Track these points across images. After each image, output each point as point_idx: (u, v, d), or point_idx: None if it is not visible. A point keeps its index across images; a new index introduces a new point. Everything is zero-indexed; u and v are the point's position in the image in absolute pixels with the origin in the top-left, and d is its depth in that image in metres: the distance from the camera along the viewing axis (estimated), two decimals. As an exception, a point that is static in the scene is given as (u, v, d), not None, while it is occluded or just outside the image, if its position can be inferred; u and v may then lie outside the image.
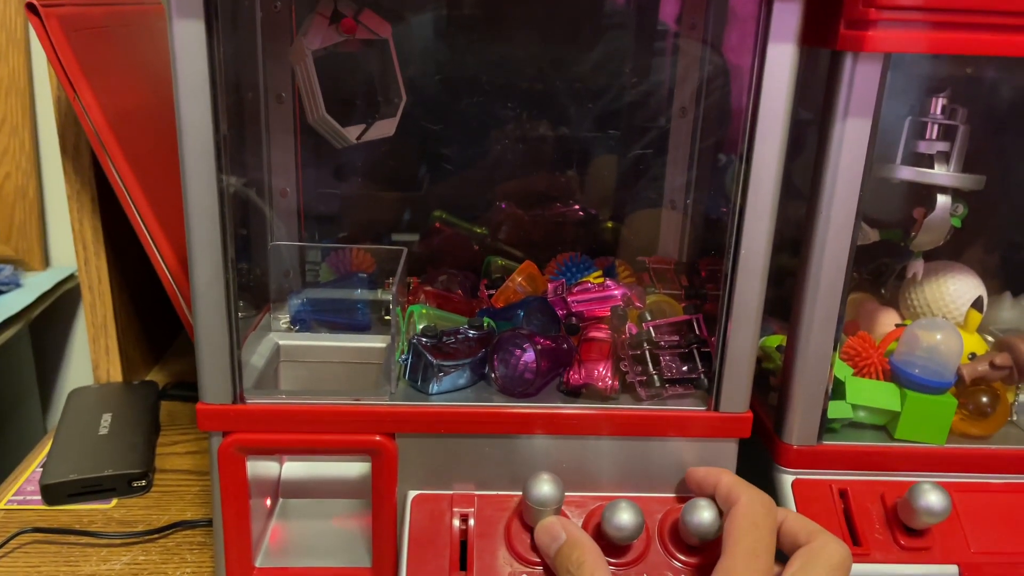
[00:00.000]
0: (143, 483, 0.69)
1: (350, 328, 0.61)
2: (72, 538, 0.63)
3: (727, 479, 0.49)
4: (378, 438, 0.51)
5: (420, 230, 0.76)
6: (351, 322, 0.61)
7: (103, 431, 0.73)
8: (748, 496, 0.47)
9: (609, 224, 0.78)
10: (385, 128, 0.61)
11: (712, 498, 0.50)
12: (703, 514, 0.49)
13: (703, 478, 0.51)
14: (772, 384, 0.59)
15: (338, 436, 0.51)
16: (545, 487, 0.49)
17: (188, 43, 0.44)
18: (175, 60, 0.44)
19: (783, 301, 0.56)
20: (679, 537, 0.51)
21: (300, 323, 0.61)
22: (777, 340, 0.61)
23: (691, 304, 0.61)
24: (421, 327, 0.55)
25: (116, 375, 0.83)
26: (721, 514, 0.49)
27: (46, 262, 1.06)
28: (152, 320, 0.91)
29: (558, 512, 0.50)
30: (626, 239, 0.76)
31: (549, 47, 0.73)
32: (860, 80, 0.47)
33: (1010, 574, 0.52)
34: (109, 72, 0.73)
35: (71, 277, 1.03)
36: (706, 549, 0.50)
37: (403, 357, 0.54)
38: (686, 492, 0.53)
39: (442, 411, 0.52)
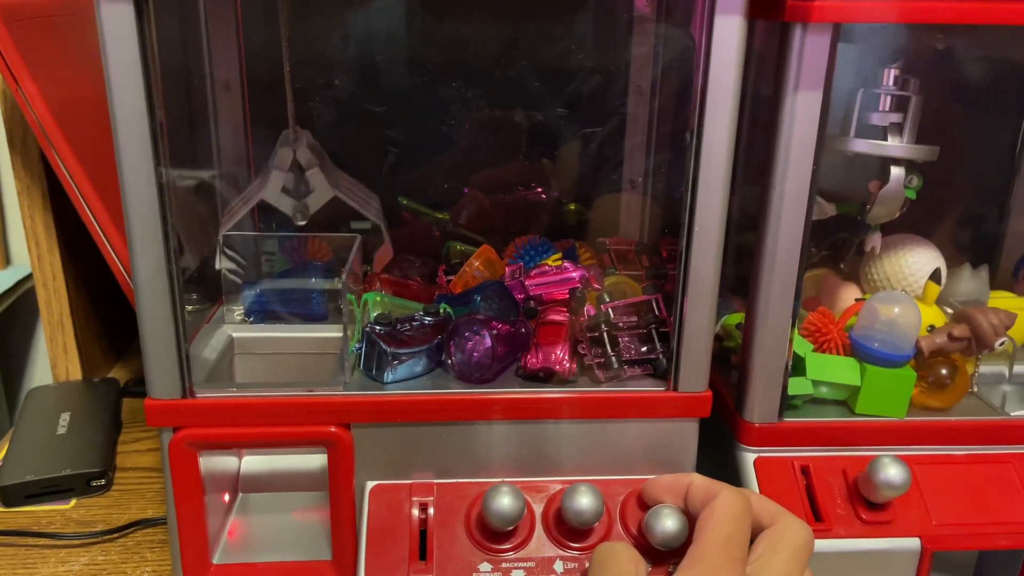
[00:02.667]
0: (102, 482, 0.67)
1: (306, 318, 0.60)
2: (30, 540, 0.62)
3: (700, 479, 0.48)
4: (333, 429, 0.50)
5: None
6: (307, 312, 0.60)
7: (61, 430, 0.72)
8: (729, 491, 0.46)
9: (572, 207, 0.77)
10: (384, 255, 0.64)
11: (678, 507, 0.48)
12: (667, 522, 0.47)
13: (671, 484, 0.49)
14: (734, 362, 0.59)
15: (292, 428, 0.50)
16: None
17: (117, 26, 0.42)
18: (104, 44, 0.42)
19: (746, 279, 0.56)
20: (642, 519, 0.50)
21: (255, 314, 0.60)
22: (739, 318, 0.61)
23: (651, 284, 0.61)
24: (375, 315, 0.54)
25: (76, 373, 0.82)
26: (687, 522, 0.47)
27: (6, 260, 1.04)
28: (113, 316, 0.89)
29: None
30: (595, 223, 0.76)
31: (508, 28, 0.71)
32: (809, 51, 0.46)
33: (972, 545, 0.52)
34: (54, 62, 0.71)
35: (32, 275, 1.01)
36: None
37: (357, 346, 0.53)
38: (647, 474, 0.53)
39: (397, 400, 0.51)
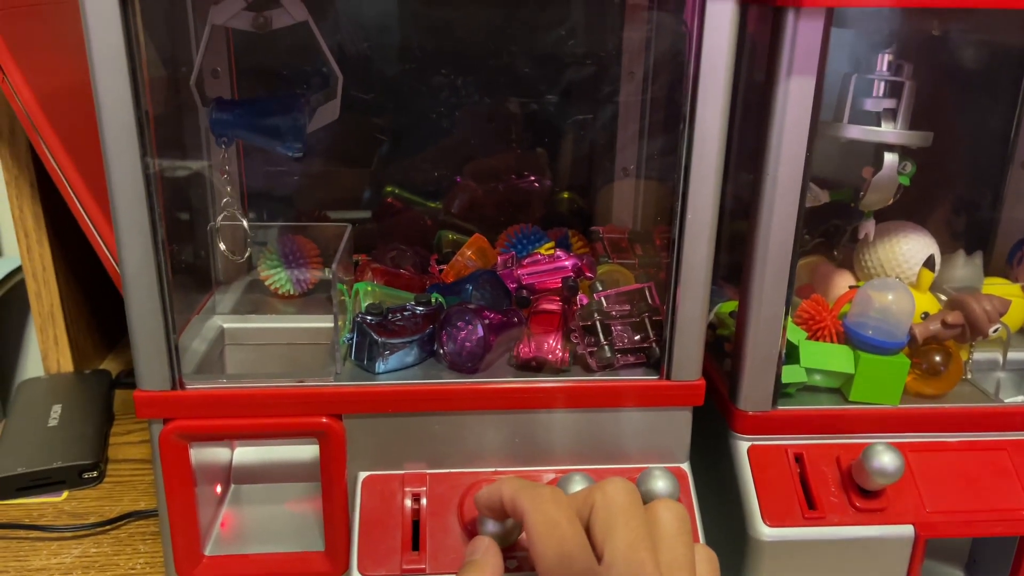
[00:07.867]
0: (94, 474, 0.67)
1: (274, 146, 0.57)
2: (21, 532, 0.62)
3: (507, 490, 0.42)
4: (324, 420, 0.50)
5: (373, 207, 0.74)
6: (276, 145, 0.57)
7: (53, 423, 0.72)
8: (533, 509, 0.40)
9: (566, 195, 0.77)
10: (329, 113, 0.59)
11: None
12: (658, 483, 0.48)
13: (487, 500, 0.43)
14: (727, 350, 0.58)
15: (283, 419, 0.50)
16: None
17: (101, 13, 0.42)
18: (88, 32, 0.42)
19: (740, 267, 0.55)
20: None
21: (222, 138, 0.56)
22: (732, 306, 0.61)
23: (644, 273, 0.60)
24: (366, 305, 0.53)
25: (67, 365, 0.81)
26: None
27: (-3, 251, 1.03)
28: (105, 307, 0.89)
29: None
30: (595, 212, 0.75)
31: (499, 15, 0.71)
32: (802, 36, 0.46)
33: (965, 532, 0.52)
34: (41, 51, 0.70)
35: (23, 266, 1.01)
36: None
37: (348, 336, 0.53)
38: (641, 463, 0.53)
39: (389, 390, 0.51)
